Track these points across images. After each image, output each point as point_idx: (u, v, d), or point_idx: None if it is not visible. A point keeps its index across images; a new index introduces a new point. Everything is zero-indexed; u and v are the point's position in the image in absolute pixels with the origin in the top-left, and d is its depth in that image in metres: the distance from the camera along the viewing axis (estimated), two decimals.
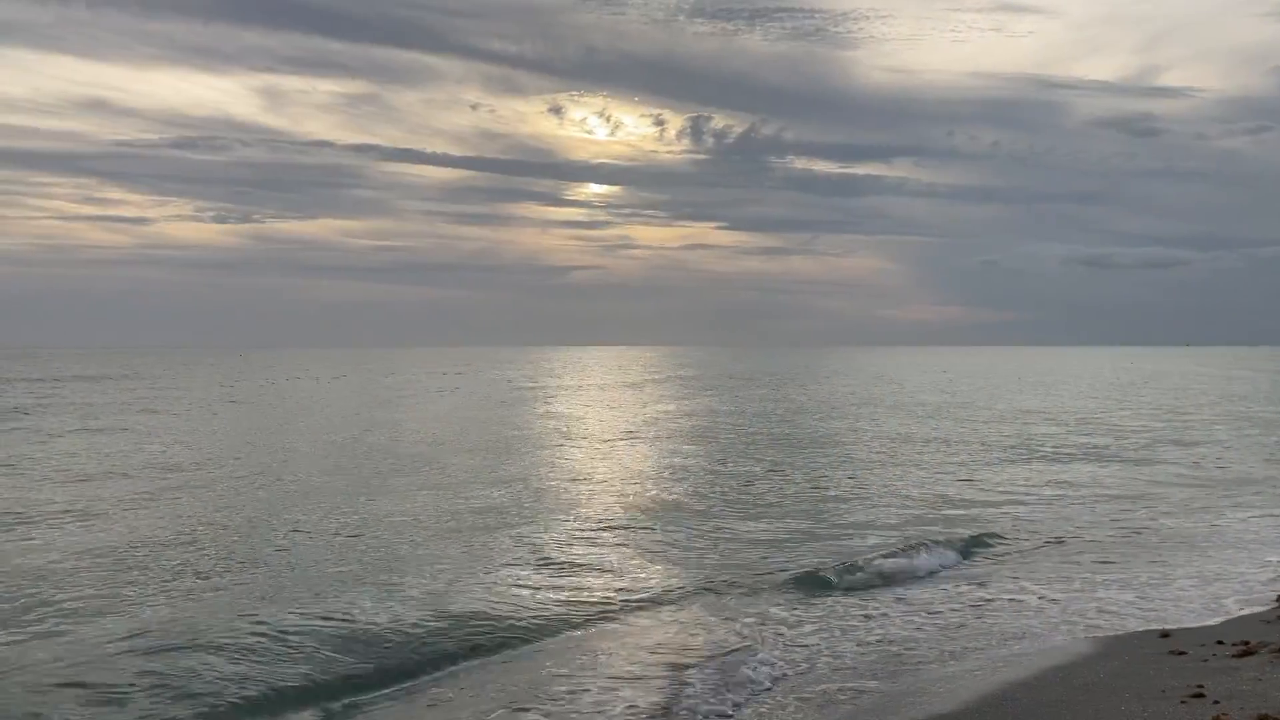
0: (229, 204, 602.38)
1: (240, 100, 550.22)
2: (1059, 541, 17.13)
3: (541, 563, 14.52)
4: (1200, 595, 13.40)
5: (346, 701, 9.16)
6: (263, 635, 10.68)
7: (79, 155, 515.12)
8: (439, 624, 11.23)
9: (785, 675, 10.12)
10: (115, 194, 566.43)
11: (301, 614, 11.47)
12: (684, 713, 9.02)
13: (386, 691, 9.51)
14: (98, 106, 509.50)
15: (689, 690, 9.56)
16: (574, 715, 8.95)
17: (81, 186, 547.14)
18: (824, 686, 9.76)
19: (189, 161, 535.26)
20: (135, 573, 13.51)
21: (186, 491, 20.51)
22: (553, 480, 23.02)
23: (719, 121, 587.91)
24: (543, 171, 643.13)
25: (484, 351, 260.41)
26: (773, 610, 12.55)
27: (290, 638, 10.61)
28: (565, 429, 36.75)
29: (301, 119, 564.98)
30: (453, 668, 10.17)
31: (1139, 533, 17.80)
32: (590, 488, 22.10)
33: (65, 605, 11.85)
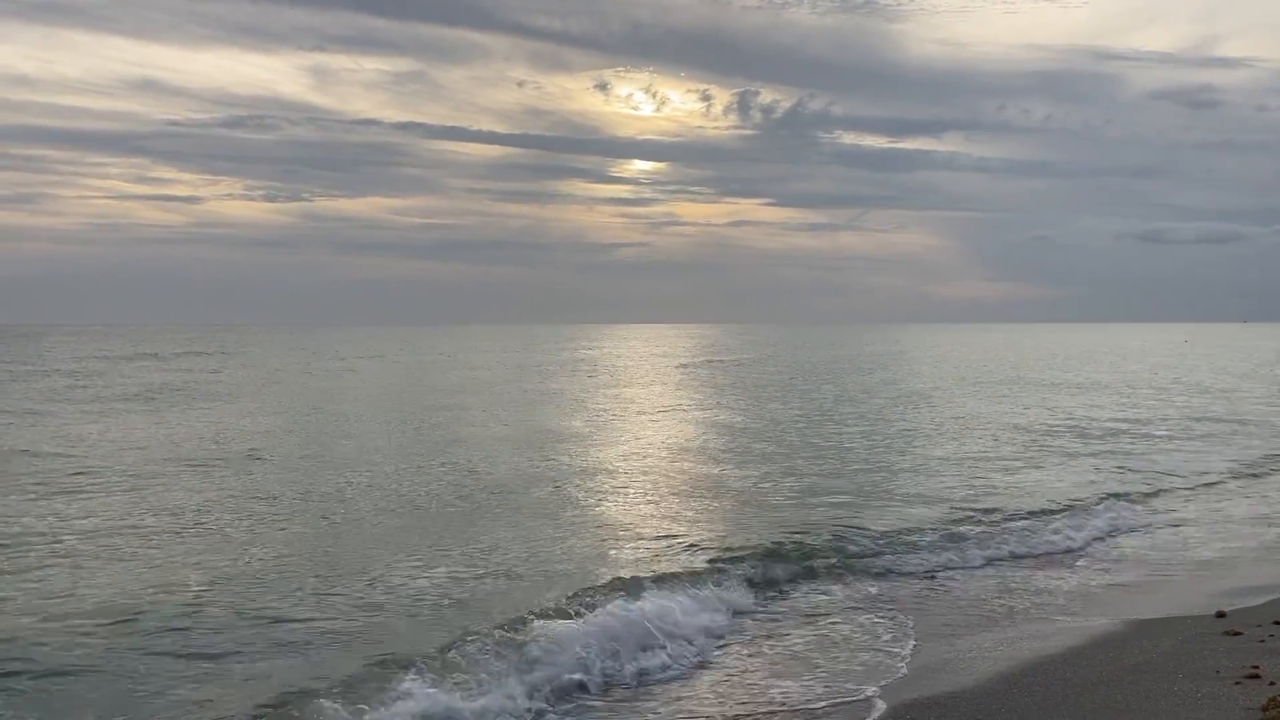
0: (278, 182, 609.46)
1: (289, 79, 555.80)
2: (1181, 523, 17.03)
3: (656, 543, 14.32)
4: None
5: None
6: (320, 597, 10.84)
7: (132, 135, 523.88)
8: None
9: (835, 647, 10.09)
10: (168, 173, 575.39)
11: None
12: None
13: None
14: (150, 87, 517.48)
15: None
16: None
17: (135, 166, 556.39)
18: (864, 657, 9.71)
19: (239, 140, 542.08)
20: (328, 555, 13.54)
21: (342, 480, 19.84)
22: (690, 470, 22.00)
23: (766, 96, 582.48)
24: (588, 148, 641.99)
25: (535, 330, 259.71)
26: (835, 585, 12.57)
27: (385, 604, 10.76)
28: (677, 411, 36.30)
29: (349, 98, 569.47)
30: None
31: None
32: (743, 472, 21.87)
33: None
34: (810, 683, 9.21)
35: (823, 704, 8.68)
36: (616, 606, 10.51)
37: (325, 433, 27.36)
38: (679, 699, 8.92)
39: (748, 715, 8.49)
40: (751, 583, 12.30)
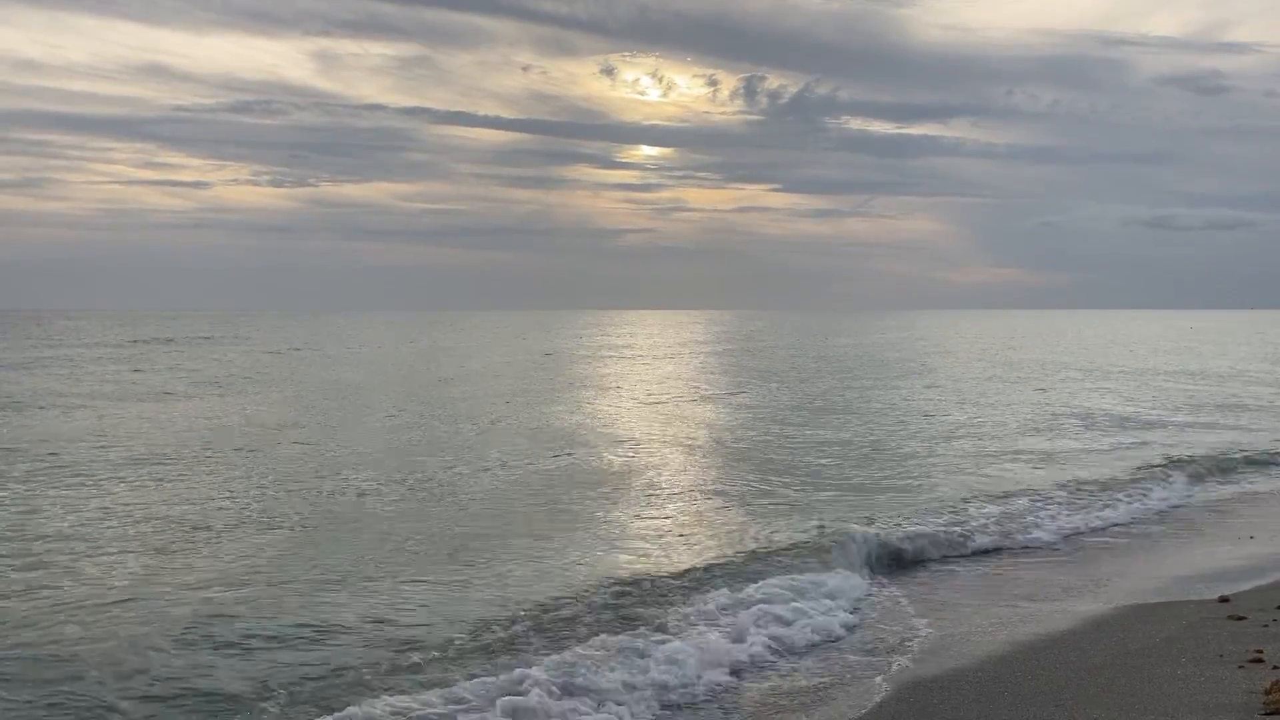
0: (284, 168, 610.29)
1: (294, 64, 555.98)
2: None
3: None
4: None
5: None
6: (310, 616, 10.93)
7: (139, 120, 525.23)
8: None
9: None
10: (174, 158, 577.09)
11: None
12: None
13: None
14: (156, 71, 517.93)
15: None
16: None
17: (141, 151, 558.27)
18: (868, 636, 9.79)
19: (245, 125, 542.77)
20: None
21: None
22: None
23: (773, 81, 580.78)
24: (594, 134, 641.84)
25: (543, 316, 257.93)
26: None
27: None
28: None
29: (354, 82, 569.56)
30: None
31: None
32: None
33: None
34: (813, 664, 9.28)
35: (826, 683, 8.76)
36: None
37: (389, 422, 26.56)
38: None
39: (753, 692, 8.56)
40: (765, 568, 12.26)
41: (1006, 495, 17.02)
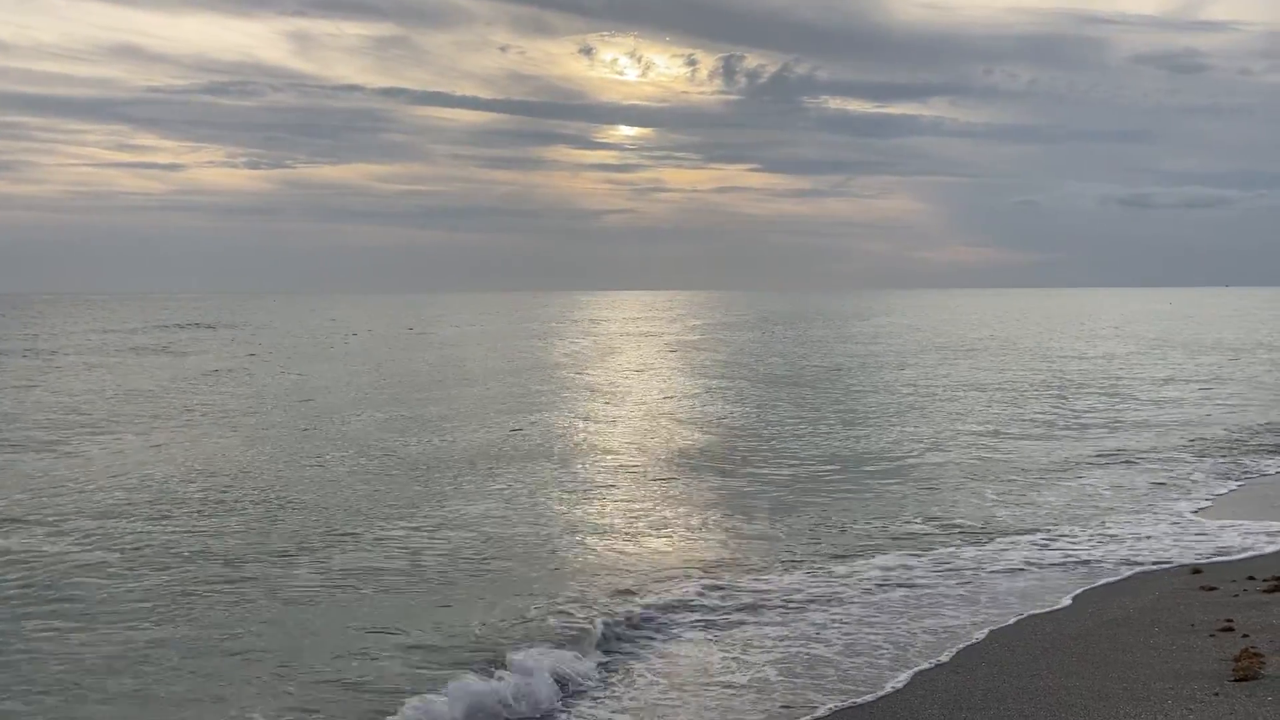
0: (260, 149, 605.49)
1: (269, 44, 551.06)
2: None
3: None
4: None
5: None
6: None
7: (111, 102, 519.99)
8: None
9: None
10: (148, 140, 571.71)
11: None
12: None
13: None
14: (129, 52, 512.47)
15: None
16: None
17: (114, 133, 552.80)
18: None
19: (220, 107, 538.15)
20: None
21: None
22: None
23: (752, 61, 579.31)
24: (573, 114, 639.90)
25: (524, 297, 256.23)
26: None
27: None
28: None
29: (330, 63, 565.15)
30: None
31: None
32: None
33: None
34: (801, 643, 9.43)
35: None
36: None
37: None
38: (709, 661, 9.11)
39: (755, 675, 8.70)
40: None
41: (994, 475, 17.29)
